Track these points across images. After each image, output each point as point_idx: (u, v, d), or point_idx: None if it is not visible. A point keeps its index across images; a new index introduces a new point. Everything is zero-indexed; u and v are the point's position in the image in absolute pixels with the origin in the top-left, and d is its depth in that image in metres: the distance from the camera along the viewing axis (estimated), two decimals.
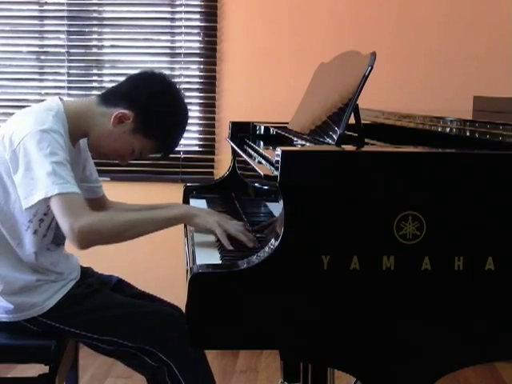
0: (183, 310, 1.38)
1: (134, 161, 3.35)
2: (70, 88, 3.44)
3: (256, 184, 2.15)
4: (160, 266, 3.36)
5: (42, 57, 3.48)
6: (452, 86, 3.20)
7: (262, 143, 2.28)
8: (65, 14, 3.42)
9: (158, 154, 1.96)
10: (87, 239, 1.69)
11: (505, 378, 3.04)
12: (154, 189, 3.35)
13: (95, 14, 3.46)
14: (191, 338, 1.37)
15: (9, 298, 1.85)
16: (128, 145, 1.88)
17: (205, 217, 1.81)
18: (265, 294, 1.35)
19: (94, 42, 3.51)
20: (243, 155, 1.94)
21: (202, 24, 3.40)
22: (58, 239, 1.93)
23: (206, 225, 1.79)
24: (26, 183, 1.71)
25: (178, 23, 3.44)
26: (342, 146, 1.54)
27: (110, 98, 1.87)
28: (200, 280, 1.35)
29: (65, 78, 3.45)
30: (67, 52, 3.44)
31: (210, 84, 3.40)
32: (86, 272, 2.06)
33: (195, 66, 3.44)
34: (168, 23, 3.46)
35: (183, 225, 2.09)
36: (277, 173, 1.35)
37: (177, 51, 3.43)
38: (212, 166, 3.42)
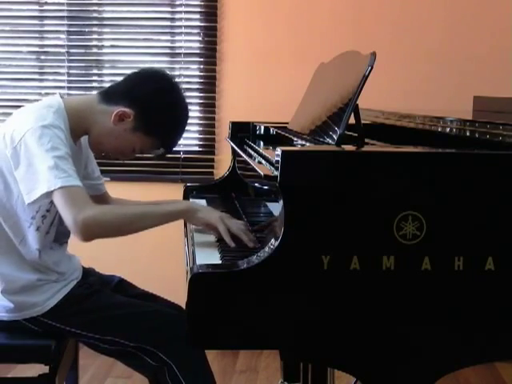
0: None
1: (135, 160, 3.39)
2: (69, 88, 3.44)
3: (256, 184, 2.15)
4: (160, 266, 3.36)
5: (42, 57, 3.48)
6: (452, 86, 3.20)
7: (261, 143, 2.28)
8: (65, 14, 3.42)
9: (159, 152, 1.96)
10: (91, 231, 1.69)
11: (505, 378, 3.04)
12: (154, 189, 3.35)
13: (95, 14, 3.46)
14: (191, 338, 1.37)
15: (9, 296, 1.85)
16: (129, 143, 1.89)
17: (207, 212, 1.82)
18: (265, 294, 1.35)
19: (94, 42, 3.51)
20: (243, 155, 1.94)
21: (202, 24, 3.40)
22: (61, 237, 1.93)
23: (209, 220, 1.79)
24: (28, 178, 1.71)
25: (177, 23, 3.44)
26: (342, 146, 1.54)
27: (110, 95, 1.88)
28: (200, 280, 1.35)
29: (65, 77, 3.45)
30: (67, 52, 3.44)
31: (209, 84, 3.40)
32: (88, 272, 2.06)
33: (195, 66, 3.44)
34: (168, 23, 3.46)
35: (183, 225, 2.10)
36: (277, 173, 1.35)
37: (177, 51, 3.43)
38: (212, 166, 3.42)
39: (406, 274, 1.35)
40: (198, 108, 3.42)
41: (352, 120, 1.63)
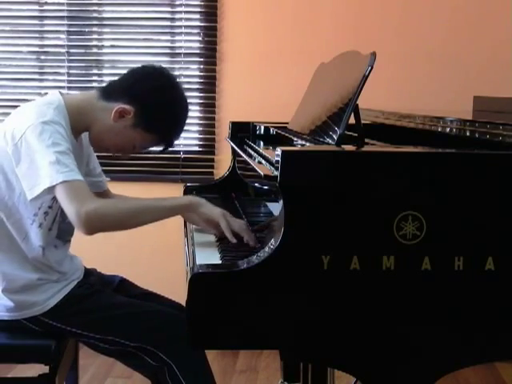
0: None
1: (135, 160, 3.39)
2: (70, 88, 3.43)
3: (256, 184, 2.15)
4: (160, 266, 3.36)
5: (42, 57, 3.48)
6: (452, 86, 3.20)
7: (261, 143, 2.28)
8: (65, 14, 3.42)
9: (160, 148, 1.96)
10: (94, 224, 1.69)
11: (505, 378, 3.04)
12: (154, 189, 3.34)
13: (95, 14, 3.46)
14: (191, 338, 1.37)
15: (10, 295, 1.86)
16: (129, 139, 1.89)
17: (210, 207, 1.82)
18: (265, 294, 1.35)
19: (94, 42, 3.51)
20: (243, 155, 1.94)
21: (202, 24, 3.40)
22: (65, 235, 1.93)
23: (211, 215, 1.80)
24: (30, 174, 1.71)
25: (177, 23, 3.44)
26: (342, 146, 1.54)
27: (110, 92, 1.88)
28: (200, 280, 1.35)
29: (65, 77, 3.45)
30: (67, 52, 3.44)
31: (209, 84, 3.40)
32: (90, 273, 2.06)
33: (195, 66, 3.44)
34: (168, 23, 3.46)
35: (183, 225, 2.10)
36: (277, 173, 1.35)
37: (177, 51, 3.43)
38: (212, 166, 3.42)
39: (405, 274, 1.35)
40: (197, 108, 3.42)
41: (352, 120, 1.63)
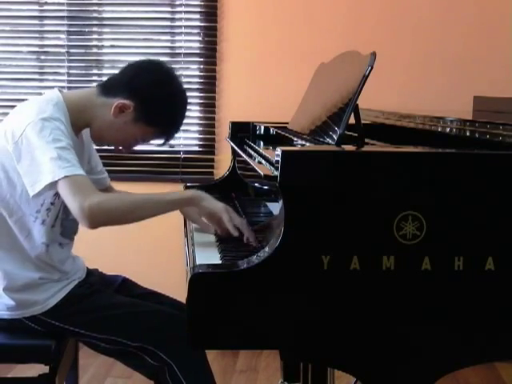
0: None
1: (135, 160, 3.39)
2: (70, 88, 3.43)
3: (256, 184, 2.15)
4: (160, 266, 3.35)
5: (42, 57, 3.48)
6: (452, 86, 3.20)
7: (261, 143, 2.28)
8: (65, 14, 3.42)
9: (161, 141, 1.96)
10: (97, 218, 1.69)
11: (505, 378, 3.04)
12: (154, 189, 3.34)
13: (95, 14, 3.46)
14: (191, 338, 1.37)
15: (11, 294, 1.86)
16: (130, 134, 1.90)
17: (213, 201, 1.83)
18: (265, 294, 1.35)
19: (94, 42, 3.51)
20: (243, 155, 1.95)
21: (202, 24, 3.40)
22: (69, 232, 1.94)
23: (214, 209, 1.81)
24: (32, 171, 1.72)
25: (177, 23, 3.44)
26: (342, 146, 1.54)
27: (109, 88, 1.89)
28: (200, 280, 1.35)
29: (65, 77, 3.45)
30: (67, 52, 3.44)
31: (210, 84, 3.40)
32: (91, 273, 2.07)
33: (195, 66, 3.43)
34: (168, 23, 3.46)
35: (183, 225, 2.10)
36: (277, 173, 1.35)
37: (177, 51, 3.43)
38: (212, 166, 3.42)
39: (405, 274, 1.35)
40: (198, 108, 3.42)
41: (352, 120, 1.63)
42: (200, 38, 3.40)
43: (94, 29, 3.48)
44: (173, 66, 3.40)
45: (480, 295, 1.38)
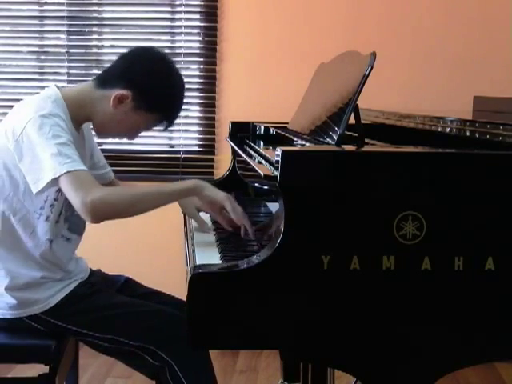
0: None
1: (135, 160, 3.39)
2: None
3: (256, 184, 2.15)
4: (160, 266, 3.35)
5: (42, 57, 3.48)
6: (452, 86, 3.20)
7: (261, 143, 2.28)
8: (65, 14, 3.42)
9: (163, 126, 1.96)
10: (100, 212, 1.70)
11: (505, 378, 3.04)
12: None
13: (95, 14, 3.47)
14: (191, 338, 1.37)
15: (13, 293, 1.86)
16: (132, 123, 1.91)
17: (215, 190, 1.84)
18: (265, 294, 1.35)
19: (94, 42, 3.51)
20: (243, 155, 1.95)
21: (202, 24, 3.40)
22: (77, 227, 1.95)
23: (216, 197, 1.82)
24: (34, 168, 1.72)
25: (177, 23, 3.44)
26: (342, 146, 1.54)
27: (105, 80, 1.90)
28: (200, 280, 1.35)
29: (65, 78, 3.45)
30: (67, 52, 3.44)
31: (209, 84, 3.40)
32: (94, 274, 2.07)
33: (195, 66, 3.44)
34: (168, 23, 3.46)
35: (183, 224, 2.10)
36: (277, 173, 1.35)
37: (177, 51, 3.43)
38: (212, 166, 3.42)
39: (406, 274, 1.35)
40: (198, 108, 3.41)
41: (352, 120, 1.63)
42: (200, 38, 3.40)
43: (94, 29, 3.48)
44: None
45: (480, 295, 1.38)
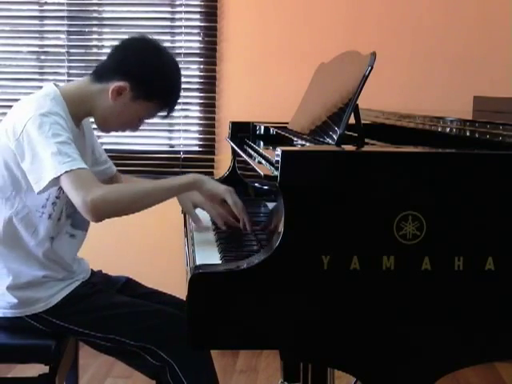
0: None
1: (135, 160, 3.39)
2: None
3: (256, 184, 2.15)
4: (160, 266, 3.35)
5: (42, 57, 3.48)
6: (452, 86, 3.20)
7: (261, 143, 2.28)
8: (65, 14, 3.42)
9: (165, 113, 1.96)
10: (101, 211, 1.70)
11: (505, 378, 3.04)
12: None
13: (95, 14, 3.46)
14: (191, 338, 1.37)
15: (14, 292, 1.86)
16: (133, 113, 1.91)
17: (215, 184, 1.86)
18: (265, 294, 1.35)
19: (94, 42, 3.51)
20: (243, 155, 1.95)
21: (202, 24, 3.40)
22: (78, 222, 1.95)
23: (217, 190, 1.84)
24: (35, 168, 1.73)
25: (177, 23, 3.44)
26: (342, 146, 1.54)
27: (102, 74, 1.89)
28: (200, 280, 1.35)
29: (65, 78, 3.45)
30: (67, 52, 3.44)
31: (209, 84, 3.40)
32: (95, 274, 2.07)
33: (195, 66, 3.43)
34: (168, 23, 3.46)
35: (183, 224, 2.10)
36: (277, 173, 1.35)
37: (177, 51, 3.43)
38: (212, 166, 3.42)
39: (406, 274, 1.35)
40: (197, 108, 3.41)
41: (352, 120, 1.63)
42: (200, 38, 3.40)
43: (94, 29, 3.48)
44: None
45: (480, 295, 1.38)
